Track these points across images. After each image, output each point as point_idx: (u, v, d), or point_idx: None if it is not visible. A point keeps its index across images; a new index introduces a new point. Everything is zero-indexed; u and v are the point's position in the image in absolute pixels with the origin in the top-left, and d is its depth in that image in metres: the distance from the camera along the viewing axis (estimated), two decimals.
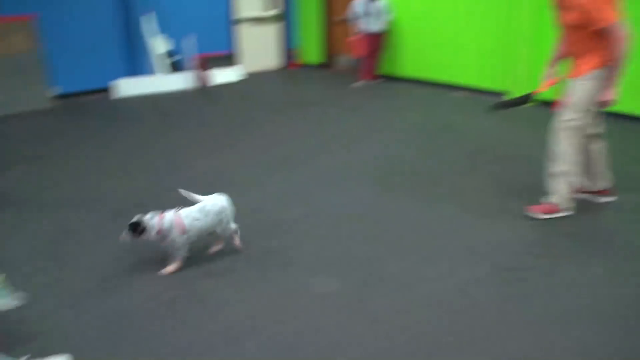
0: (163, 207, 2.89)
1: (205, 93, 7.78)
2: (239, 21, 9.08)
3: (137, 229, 2.72)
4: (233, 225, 3.04)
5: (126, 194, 3.97)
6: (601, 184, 3.69)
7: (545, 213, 3.50)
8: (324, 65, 9.57)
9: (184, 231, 2.81)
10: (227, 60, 8.66)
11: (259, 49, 9.51)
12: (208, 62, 8.33)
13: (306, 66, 9.74)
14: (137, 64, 7.98)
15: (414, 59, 8.01)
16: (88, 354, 2.26)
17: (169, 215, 2.83)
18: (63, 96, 7.42)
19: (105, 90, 7.66)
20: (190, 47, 7.97)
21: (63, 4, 7.28)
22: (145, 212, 2.82)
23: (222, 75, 8.43)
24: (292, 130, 5.71)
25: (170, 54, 8.13)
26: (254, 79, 8.82)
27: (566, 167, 3.41)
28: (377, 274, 2.86)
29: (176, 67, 8.15)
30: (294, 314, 2.50)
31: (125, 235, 2.75)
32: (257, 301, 2.61)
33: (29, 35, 6.91)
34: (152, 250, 2.93)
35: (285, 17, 9.64)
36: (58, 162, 4.78)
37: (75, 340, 2.34)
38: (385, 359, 2.23)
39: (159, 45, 8.02)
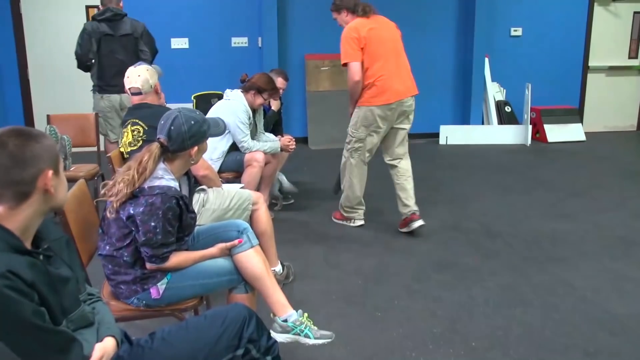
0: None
1: (540, 151, 7.54)
2: (589, 70, 8.70)
3: None
4: None
5: (436, 246, 3.94)
6: None
7: None
8: None
9: None
10: (569, 115, 8.31)
11: (609, 105, 8.87)
12: (546, 116, 8.13)
13: None
14: (467, 112, 8.24)
15: None
16: None
17: None
18: None
19: (429, 135, 8.12)
20: (527, 97, 7.82)
21: None
22: None
23: (561, 133, 8.07)
24: None
25: (503, 103, 8.30)
26: (601, 139, 8.21)
27: None
28: None
29: (509, 118, 8.18)
30: None
31: None
32: None
33: None
34: None
35: None
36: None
37: None
38: None
39: (492, 93, 8.28)
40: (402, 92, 4.03)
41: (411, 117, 4.20)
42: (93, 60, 4.83)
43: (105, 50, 4.81)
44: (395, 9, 7.91)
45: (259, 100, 4.15)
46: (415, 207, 4.15)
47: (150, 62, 4.59)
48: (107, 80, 4.86)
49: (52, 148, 1.43)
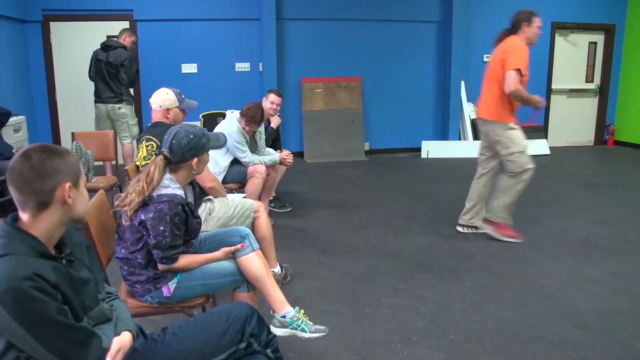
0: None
1: None
2: (552, 92, 8.75)
3: None
4: None
5: (419, 249, 3.91)
6: None
7: None
8: None
9: None
10: (536, 132, 8.38)
11: (570, 123, 8.93)
12: None
13: (624, 145, 8.82)
14: (445, 128, 8.26)
15: None
16: None
17: None
18: (372, 151, 8.27)
19: (412, 150, 8.18)
20: None
21: (385, 69, 8.19)
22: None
23: (528, 147, 8.14)
24: (610, 212, 4.99)
25: (476, 122, 8.34)
26: (564, 153, 8.24)
27: None
28: None
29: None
30: None
31: None
32: None
33: (356, 94, 8.00)
34: None
35: (604, 90, 8.98)
36: (366, 208, 4.96)
37: None
38: None
39: (467, 112, 8.31)
40: (477, 112, 4.30)
41: (487, 138, 4.17)
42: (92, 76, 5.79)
43: (98, 70, 5.69)
44: (382, 38, 8.02)
45: (242, 123, 4.13)
46: (484, 215, 4.30)
47: (127, 87, 5.79)
48: (98, 94, 5.75)
49: (74, 164, 1.41)
